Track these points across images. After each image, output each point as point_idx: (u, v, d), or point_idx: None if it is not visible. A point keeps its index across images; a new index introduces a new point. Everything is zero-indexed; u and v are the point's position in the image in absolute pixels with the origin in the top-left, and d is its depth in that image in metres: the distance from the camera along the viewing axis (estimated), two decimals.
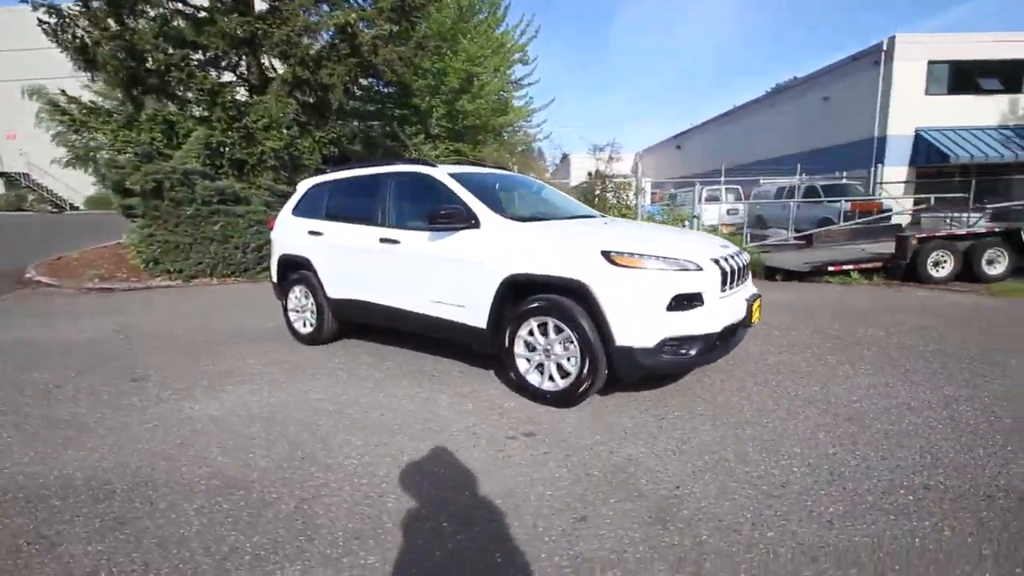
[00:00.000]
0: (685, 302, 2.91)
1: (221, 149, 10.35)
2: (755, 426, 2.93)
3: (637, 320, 2.88)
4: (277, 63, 11.97)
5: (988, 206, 9.73)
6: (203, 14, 10.79)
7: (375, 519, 2.12)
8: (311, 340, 4.82)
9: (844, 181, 16.64)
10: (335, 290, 4.49)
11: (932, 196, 9.76)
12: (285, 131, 10.57)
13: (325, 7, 12.01)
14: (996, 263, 7.68)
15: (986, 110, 17.33)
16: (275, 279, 5.15)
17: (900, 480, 2.36)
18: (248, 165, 10.43)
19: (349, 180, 4.62)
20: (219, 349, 4.82)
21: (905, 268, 7.85)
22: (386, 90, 16.19)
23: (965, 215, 12.22)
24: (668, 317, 2.88)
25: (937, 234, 7.81)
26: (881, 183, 16.62)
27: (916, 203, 14.75)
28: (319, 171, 6.22)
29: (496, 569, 1.82)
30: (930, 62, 17.07)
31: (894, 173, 17.34)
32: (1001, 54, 17.05)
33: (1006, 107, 17.40)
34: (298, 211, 4.94)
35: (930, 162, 17.14)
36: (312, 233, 4.63)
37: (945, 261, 7.76)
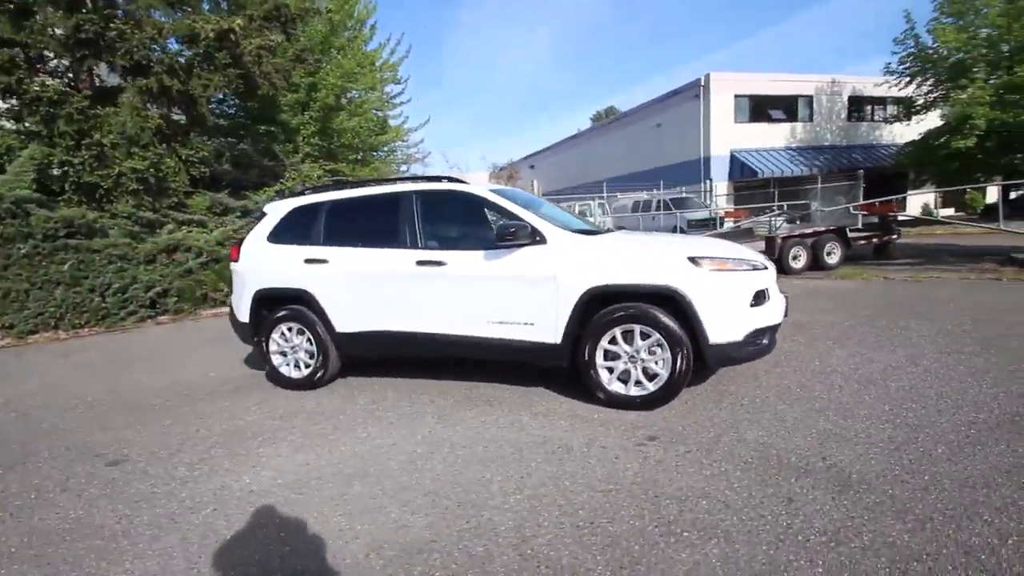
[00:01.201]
0: (760, 298, 3.28)
1: (62, 171, 8.34)
2: (815, 400, 3.39)
3: (728, 318, 3.17)
4: (105, 71, 10.06)
5: (821, 210, 12.31)
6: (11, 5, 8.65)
7: (609, 545, 2.02)
8: (307, 384, 4.19)
9: (684, 195, 19.55)
10: (349, 323, 4.00)
11: (785, 204, 12.06)
12: (142, 148, 8.91)
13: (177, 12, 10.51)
14: (833, 254, 9.79)
15: (776, 135, 21.93)
16: (245, 318, 4.38)
17: (953, 420, 2.96)
18: (102, 190, 8.56)
19: (356, 200, 4.18)
20: (181, 410, 3.95)
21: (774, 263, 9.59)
22: (237, 104, 14.58)
23: (770, 218, 15.33)
24: (751, 312, 3.22)
25: (794, 234, 9.71)
26: (714, 196, 19.86)
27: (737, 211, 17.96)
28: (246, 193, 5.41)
29: (778, 559, 1.89)
30: (736, 96, 21.06)
31: (720, 187, 20.89)
32: (782, 91, 21.78)
33: (788, 133, 22.21)
34: (278, 238, 4.30)
35: (743, 177, 21.05)
36: (311, 261, 4.07)
37: (800, 255, 9.66)
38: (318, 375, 4.15)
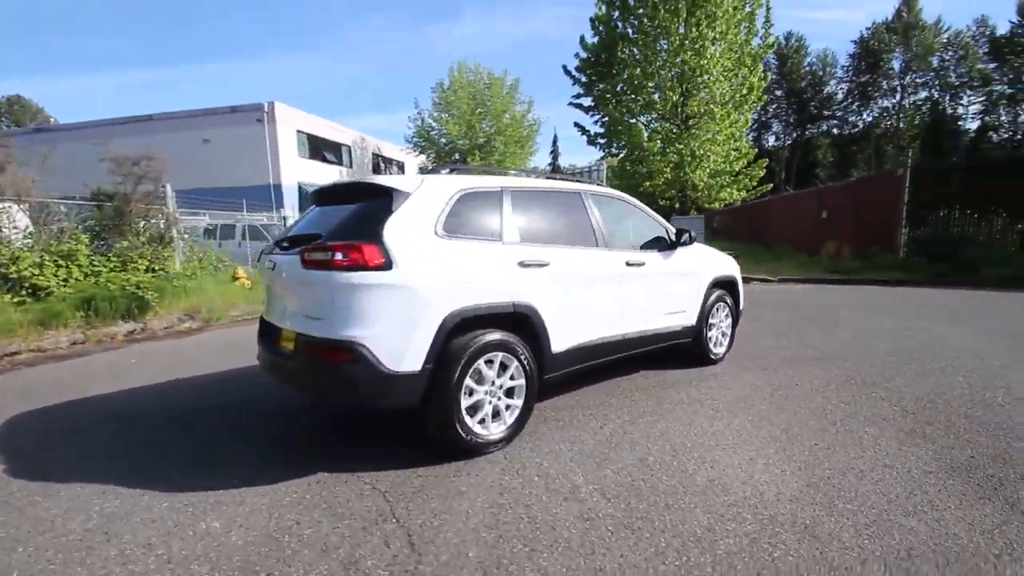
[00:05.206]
0: None
1: None
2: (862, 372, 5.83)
3: (742, 293, 5.17)
4: None
5: None
6: None
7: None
8: (509, 438, 3.01)
9: (268, 221, 18.48)
10: (565, 339, 3.26)
11: None
12: None
13: None
14: None
15: (330, 175, 23.77)
16: (415, 365, 2.61)
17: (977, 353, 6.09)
18: None
19: (539, 192, 3.42)
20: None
21: None
22: None
23: None
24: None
25: None
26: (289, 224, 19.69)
27: None
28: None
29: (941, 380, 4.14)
30: (298, 131, 21.50)
31: (293, 215, 20.80)
32: (331, 136, 23.87)
33: (337, 175, 24.53)
34: (456, 231, 2.83)
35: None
36: (529, 265, 3.01)
37: None
38: (520, 424, 3.09)
